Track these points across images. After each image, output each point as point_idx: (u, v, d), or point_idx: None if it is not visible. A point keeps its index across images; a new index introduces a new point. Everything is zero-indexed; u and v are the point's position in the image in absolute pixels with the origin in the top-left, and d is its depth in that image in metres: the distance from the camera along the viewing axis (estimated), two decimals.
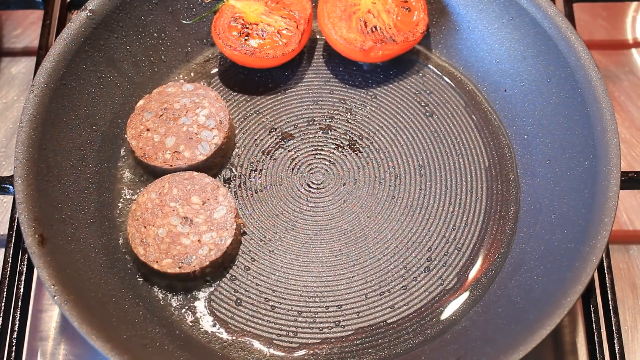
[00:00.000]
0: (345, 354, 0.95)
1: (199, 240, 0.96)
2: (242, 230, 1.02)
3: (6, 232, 1.01)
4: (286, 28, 1.09)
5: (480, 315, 0.95)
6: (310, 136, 1.10)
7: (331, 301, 0.98)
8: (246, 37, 1.08)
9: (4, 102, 1.23)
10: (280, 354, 0.95)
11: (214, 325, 0.96)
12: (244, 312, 0.97)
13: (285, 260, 1.01)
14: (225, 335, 0.96)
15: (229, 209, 0.98)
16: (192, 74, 1.14)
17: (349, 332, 0.96)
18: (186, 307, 0.97)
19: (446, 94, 1.13)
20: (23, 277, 0.98)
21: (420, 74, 1.15)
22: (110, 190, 1.04)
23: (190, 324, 0.96)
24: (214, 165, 1.05)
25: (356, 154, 1.09)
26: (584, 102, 0.97)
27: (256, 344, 0.95)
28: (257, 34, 1.09)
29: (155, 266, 0.94)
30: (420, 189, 1.06)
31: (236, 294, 0.98)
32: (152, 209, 0.98)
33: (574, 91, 0.99)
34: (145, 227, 0.97)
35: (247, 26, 1.09)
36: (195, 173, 1.00)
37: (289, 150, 1.09)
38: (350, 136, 1.10)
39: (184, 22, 1.14)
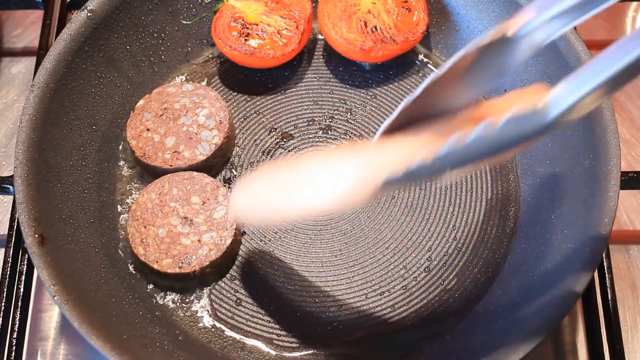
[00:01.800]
0: (345, 354, 0.95)
1: (199, 240, 0.96)
2: (242, 230, 1.02)
3: (6, 232, 1.01)
4: (286, 28, 1.09)
5: (480, 316, 0.95)
6: (310, 136, 1.10)
7: (331, 301, 0.98)
8: (246, 37, 1.08)
9: (4, 102, 1.23)
10: (280, 354, 0.95)
11: (214, 325, 0.96)
12: (244, 312, 0.97)
13: (285, 260, 1.01)
14: (225, 335, 0.96)
15: (228, 209, 0.98)
16: (192, 74, 1.14)
17: (349, 332, 0.96)
18: (186, 307, 0.97)
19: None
20: (23, 277, 0.98)
21: (420, 74, 1.15)
22: (110, 190, 1.04)
23: (191, 323, 0.96)
24: (214, 165, 1.05)
25: None
26: None
27: (256, 344, 0.95)
28: (257, 34, 1.09)
29: (155, 266, 0.94)
30: (420, 189, 1.06)
31: (236, 294, 0.98)
32: (152, 209, 0.98)
33: None
34: (145, 227, 0.97)
35: (247, 26, 1.09)
36: (195, 173, 1.00)
37: (289, 150, 1.09)
38: (350, 136, 1.10)
39: (184, 22, 1.14)
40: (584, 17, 0.63)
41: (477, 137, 0.61)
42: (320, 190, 0.70)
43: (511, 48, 0.64)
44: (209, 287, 0.98)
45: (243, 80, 1.14)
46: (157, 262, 0.95)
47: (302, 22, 1.10)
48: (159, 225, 0.97)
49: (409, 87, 1.13)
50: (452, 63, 0.66)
